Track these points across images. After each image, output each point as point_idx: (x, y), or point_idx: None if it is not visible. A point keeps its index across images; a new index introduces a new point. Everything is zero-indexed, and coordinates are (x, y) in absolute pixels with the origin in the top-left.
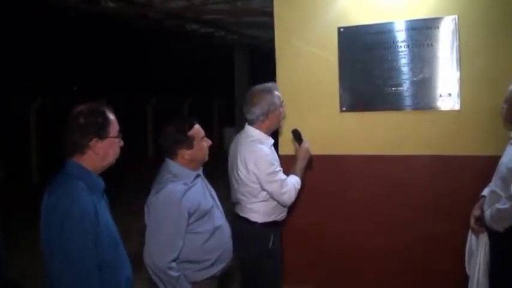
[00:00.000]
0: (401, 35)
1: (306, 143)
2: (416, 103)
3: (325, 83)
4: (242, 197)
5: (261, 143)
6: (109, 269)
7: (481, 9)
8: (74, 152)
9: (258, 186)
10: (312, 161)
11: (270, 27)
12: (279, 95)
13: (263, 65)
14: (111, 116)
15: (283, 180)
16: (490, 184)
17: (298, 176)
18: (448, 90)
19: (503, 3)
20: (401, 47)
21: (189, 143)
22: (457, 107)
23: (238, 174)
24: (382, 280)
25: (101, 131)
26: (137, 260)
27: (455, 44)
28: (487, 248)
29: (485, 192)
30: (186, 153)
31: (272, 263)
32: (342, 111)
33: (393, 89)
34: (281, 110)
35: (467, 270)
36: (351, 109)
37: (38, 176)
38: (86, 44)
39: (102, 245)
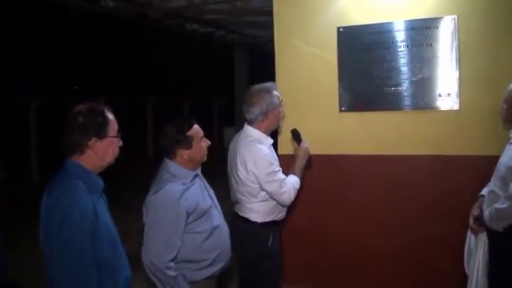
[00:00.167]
0: (400, 35)
1: (305, 143)
2: (416, 103)
3: (324, 82)
4: (241, 197)
5: (260, 142)
6: (108, 268)
7: (481, 9)
8: (73, 152)
9: (257, 186)
10: (311, 161)
11: (270, 26)
12: (278, 94)
13: (263, 65)
14: (110, 116)
15: (282, 180)
16: (489, 184)
17: (297, 175)
18: (447, 90)
19: (502, 3)
20: (400, 47)
21: (188, 143)
22: (456, 107)
23: (237, 174)
24: (381, 280)
25: (100, 130)
26: (136, 260)
27: (455, 44)
28: (486, 248)
29: (484, 191)
30: (184, 153)
31: (271, 262)
32: (341, 111)
33: (393, 88)
34: (280, 109)
35: (466, 269)
36: (350, 109)
37: (38, 176)
38: (86, 43)
39: (101, 244)
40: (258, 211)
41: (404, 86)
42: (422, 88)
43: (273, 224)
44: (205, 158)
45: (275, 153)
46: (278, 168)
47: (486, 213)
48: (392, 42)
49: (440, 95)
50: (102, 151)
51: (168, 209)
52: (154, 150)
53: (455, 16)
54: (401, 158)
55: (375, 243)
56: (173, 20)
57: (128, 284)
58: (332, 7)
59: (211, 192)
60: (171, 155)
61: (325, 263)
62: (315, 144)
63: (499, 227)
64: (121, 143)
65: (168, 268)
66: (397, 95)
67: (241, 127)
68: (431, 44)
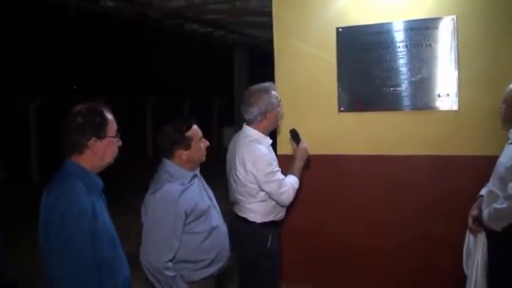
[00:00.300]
0: (399, 35)
1: (304, 143)
2: (415, 103)
3: (323, 83)
4: (240, 197)
5: (259, 143)
6: (107, 268)
7: (480, 9)
8: (73, 152)
9: (256, 186)
10: (310, 161)
11: (269, 27)
12: (277, 94)
13: (262, 65)
14: (109, 116)
15: (281, 180)
16: (488, 184)
17: (296, 175)
18: (446, 91)
19: (502, 3)
20: (399, 47)
21: (186, 143)
22: (455, 107)
23: (236, 175)
24: (380, 280)
25: (99, 130)
26: (135, 260)
27: (454, 44)
28: (485, 248)
29: (483, 192)
30: (183, 154)
31: (270, 262)
32: (340, 111)
33: (392, 89)
34: (279, 109)
35: (465, 269)
36: (349, 109)
37: (38, 176)
38: (86, 43)
39: (101, 244)
40: (257, 211)
41: (404, 86)
42: (421, 88)
43: (272, 224)
44: (204, 159)
45: (274, 154)
46: (277, 168)
47: (485, 213)
48: (392, 42)
49: (439, 95)
50: (101, 151)
51: (166, 209)
52: (153, 150)
53: (455, 16)
54: (401, 158)
55: (374, 243)
56: (173, 20)
57: (127, 284)
58: (331, 7)
59: (210, 192)
60: (170, 155)
61: (324, 263)
62: (314, 144)
63: (497, 227)
64: (120, 143)
65: (167, 268)
66: (396, 95)
67: (240, 127)
68: (430, 44)
